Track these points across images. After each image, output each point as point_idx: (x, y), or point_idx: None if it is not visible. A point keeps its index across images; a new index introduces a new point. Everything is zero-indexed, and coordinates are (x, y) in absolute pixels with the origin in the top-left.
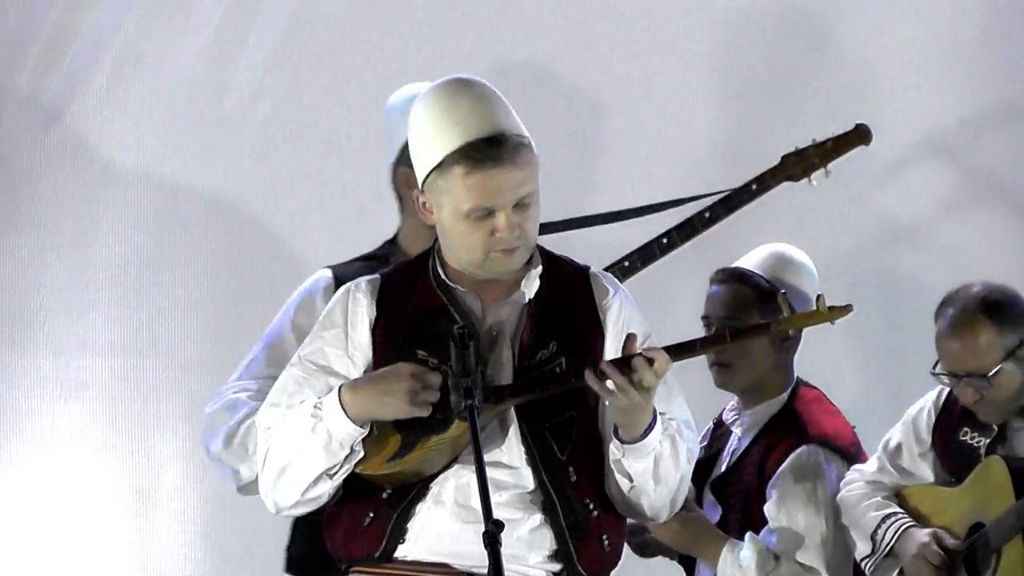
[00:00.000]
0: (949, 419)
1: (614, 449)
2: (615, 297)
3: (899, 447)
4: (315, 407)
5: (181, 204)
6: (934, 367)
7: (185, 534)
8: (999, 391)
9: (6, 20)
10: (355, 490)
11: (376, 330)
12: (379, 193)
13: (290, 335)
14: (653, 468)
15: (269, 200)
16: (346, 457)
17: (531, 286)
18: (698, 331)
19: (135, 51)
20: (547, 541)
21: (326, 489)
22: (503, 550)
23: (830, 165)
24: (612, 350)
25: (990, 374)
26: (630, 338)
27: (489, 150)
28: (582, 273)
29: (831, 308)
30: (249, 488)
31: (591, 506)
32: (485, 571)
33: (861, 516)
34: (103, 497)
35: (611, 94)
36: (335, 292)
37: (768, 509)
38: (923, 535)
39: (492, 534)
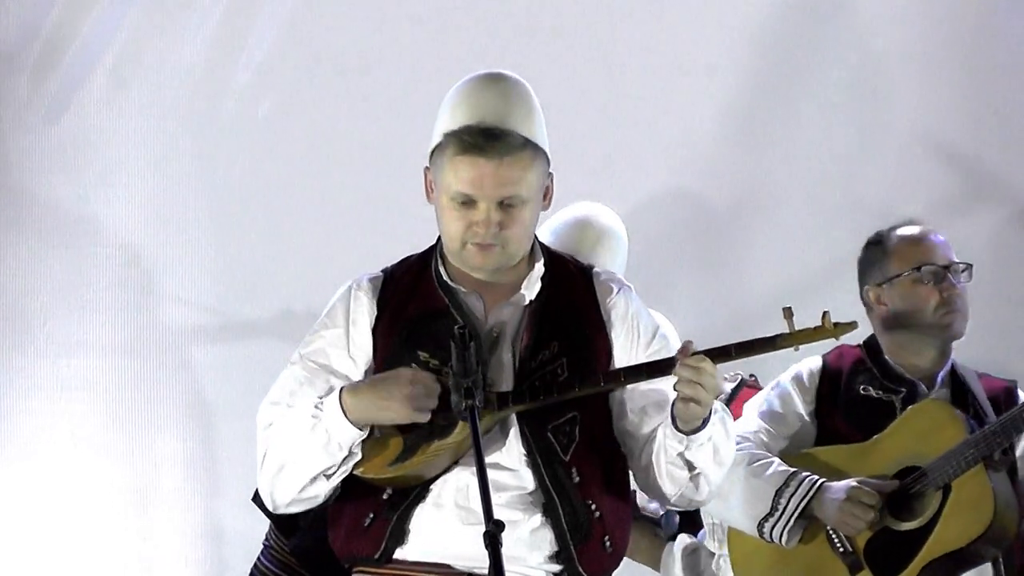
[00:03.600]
0: (836, 379)
1: (675, 443)
2: (620, 295)
3: (780, 413)
4: (316, 407)
5: (181, 204)
6: (905, 272)
7: (185, 534)
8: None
9: (6, 20)
10: (356, 490)
11: (377, 329)
12: (379, 192)
13: None
14: (713, 453)
15: (269, 200)
16: (344, 459)
17: (532, 287)
18: (700, 331)
19: (135, 51)
20: (547, 542)
21: (323, 489)
22: (503, 551)
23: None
24: (623, 347)
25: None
26: (686, 345)
27: (480, 139)
28: (585, 273)
29: (836, 324)
30: None
31: (593, 507)
32: (486, 572)
33: (755, 477)
34: (103, 497)
35: (613, 96)
36: None
37: None
38: (847, 483)
39: (493, 534)
